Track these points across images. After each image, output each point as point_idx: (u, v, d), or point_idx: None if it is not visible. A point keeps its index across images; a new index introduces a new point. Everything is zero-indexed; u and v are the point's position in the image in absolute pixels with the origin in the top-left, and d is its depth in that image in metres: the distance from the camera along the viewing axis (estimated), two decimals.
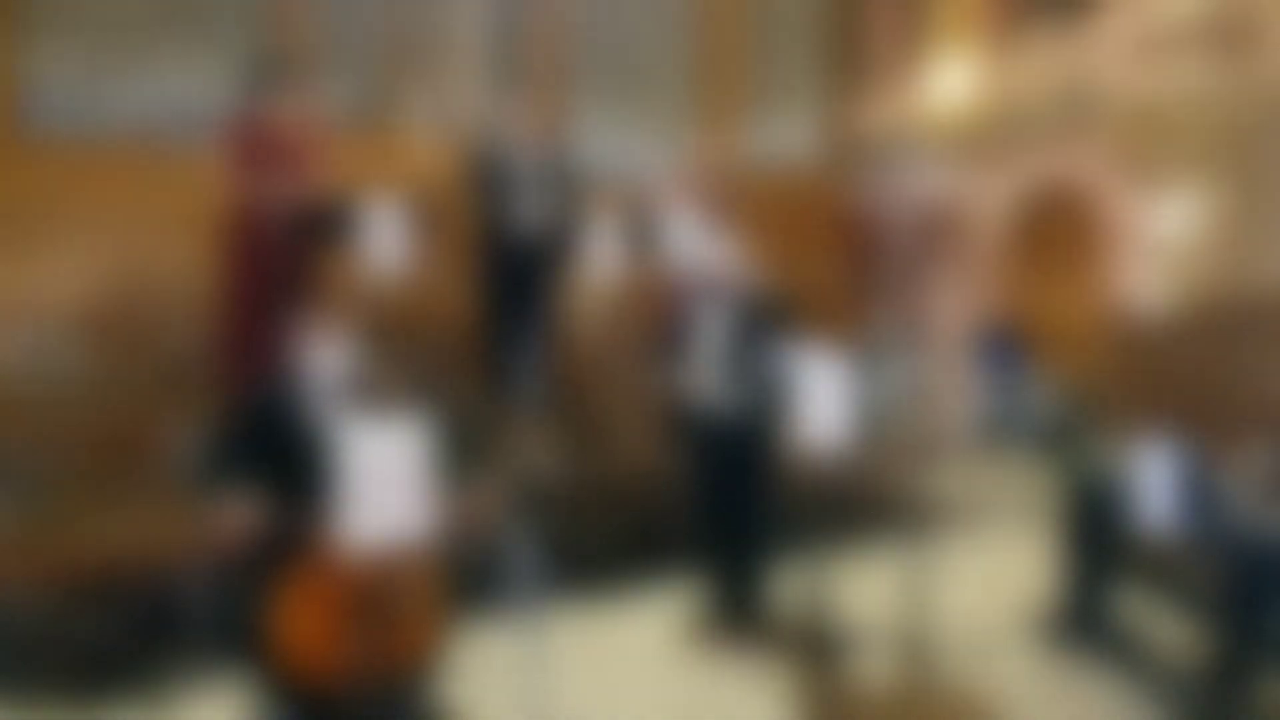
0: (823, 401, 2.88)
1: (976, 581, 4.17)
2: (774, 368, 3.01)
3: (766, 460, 3.47)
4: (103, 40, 4.85)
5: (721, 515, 3.52)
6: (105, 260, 4.79)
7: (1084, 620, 3.29)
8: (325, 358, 2.50)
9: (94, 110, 4.87)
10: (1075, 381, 7.40)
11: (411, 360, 5.28)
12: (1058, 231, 8.22)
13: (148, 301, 4.89)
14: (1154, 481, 2.52)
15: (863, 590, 3.81)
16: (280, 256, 3.68)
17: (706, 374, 3.41)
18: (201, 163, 4.20)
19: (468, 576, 3.47)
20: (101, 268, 4.78)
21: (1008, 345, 8.29)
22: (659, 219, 4.29)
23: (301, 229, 3.83)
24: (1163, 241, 4.97)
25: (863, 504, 5.06)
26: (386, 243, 3.75)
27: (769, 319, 3.33)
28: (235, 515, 2.23)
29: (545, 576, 3.75)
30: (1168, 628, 3.07)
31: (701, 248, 4.17)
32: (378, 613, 2.23)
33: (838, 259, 7.07)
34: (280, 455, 2.23)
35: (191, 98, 5.06)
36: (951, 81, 8.88)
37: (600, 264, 4.12)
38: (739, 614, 3.49)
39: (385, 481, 1.96)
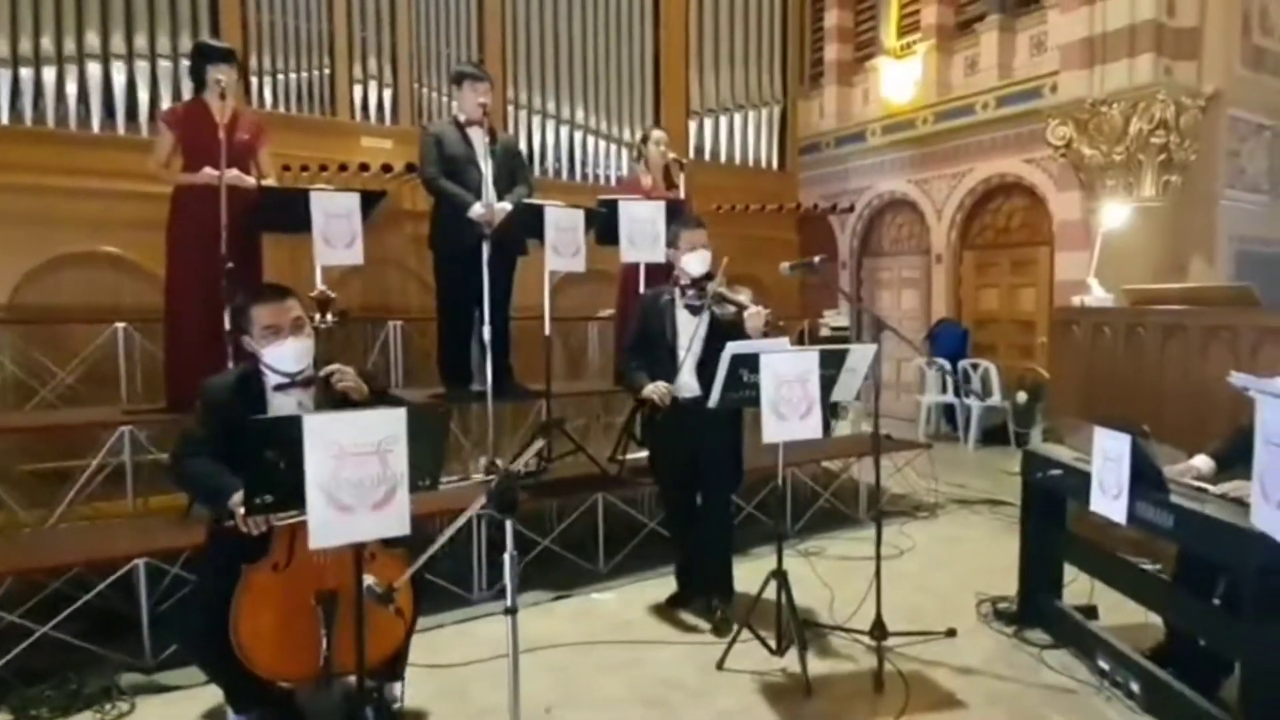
0: (797, 393, 2.87)
1: (941, 568, 4.26)
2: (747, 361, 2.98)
3: (740, 450, 3.50)
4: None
5: (698, 507, 3.52)
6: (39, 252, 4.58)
7: (1041, 607, 3.35)
8: (285, 349, 2.40)
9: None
10: (1027, 373, 7.59)
11: (374, 351, 5.17)
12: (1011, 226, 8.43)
13: (83, 295, 4.69)
14: (1107, 470, 2.57)
15: (830, 577, 3.88)
16: (231, 247, 3.54)
17: (684, 367, 3.40)
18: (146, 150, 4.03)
19: (439, 572, 3.43)
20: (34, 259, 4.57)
21: (960, 335, 8.46)
22: (631, 214, 4.24)
23: (253, 219, 3.71)
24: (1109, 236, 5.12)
25: (831, 494, 5.13)
26: (340, 231, 3.64)
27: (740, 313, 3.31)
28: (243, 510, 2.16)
29: (521, 570, 3.70)
30: (1127, 615, 3.15)
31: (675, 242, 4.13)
32: (346, 612, 2.16)
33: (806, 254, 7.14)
34: (244, 451, 2.12)
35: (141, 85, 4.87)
36: (908, 82, 9.02)
37: (569, 257, 4.06)
38: (714, 602, 3.49)
39: (351, 475, 1.89)
